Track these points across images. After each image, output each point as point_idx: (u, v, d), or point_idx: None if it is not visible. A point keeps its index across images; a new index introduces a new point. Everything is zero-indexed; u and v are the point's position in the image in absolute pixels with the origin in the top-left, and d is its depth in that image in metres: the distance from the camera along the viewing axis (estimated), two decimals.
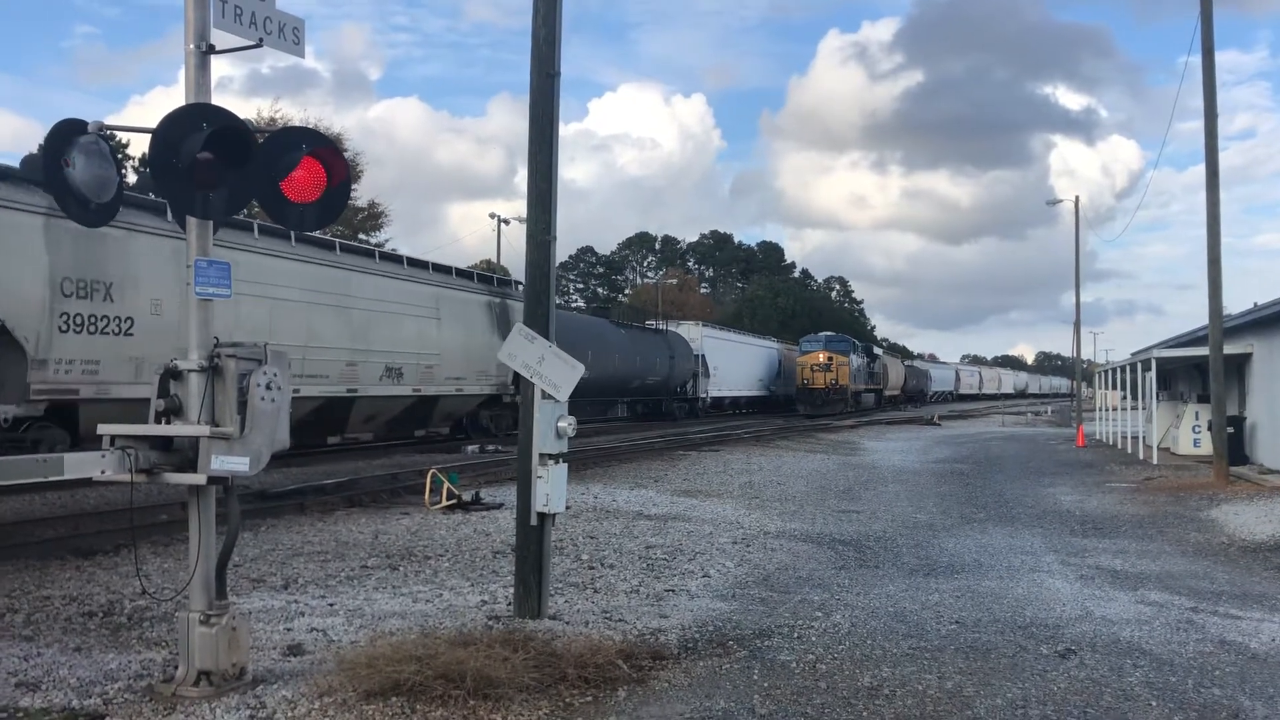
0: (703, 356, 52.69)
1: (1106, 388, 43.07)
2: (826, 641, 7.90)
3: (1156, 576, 11.19)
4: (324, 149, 6.23)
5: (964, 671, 7.18)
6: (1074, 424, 43.48)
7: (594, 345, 34.93)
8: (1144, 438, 30.08)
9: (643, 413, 46.87)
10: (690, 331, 50.29)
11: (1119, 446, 34.04)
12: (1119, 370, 38.72)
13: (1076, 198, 49.88)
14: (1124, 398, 37.06)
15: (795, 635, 8.07)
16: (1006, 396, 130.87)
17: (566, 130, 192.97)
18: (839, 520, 15.39)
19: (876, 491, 19.80)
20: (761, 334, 70.81)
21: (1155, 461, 26.58)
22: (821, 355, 58.55)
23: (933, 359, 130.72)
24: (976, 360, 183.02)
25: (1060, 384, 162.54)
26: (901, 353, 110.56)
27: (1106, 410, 40.91)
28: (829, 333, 66.03)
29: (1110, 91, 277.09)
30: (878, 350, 76.04)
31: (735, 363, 55.73)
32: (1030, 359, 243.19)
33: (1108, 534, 14.52)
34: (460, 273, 27.40)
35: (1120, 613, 9.24)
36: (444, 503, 14.94)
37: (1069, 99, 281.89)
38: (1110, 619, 8.96)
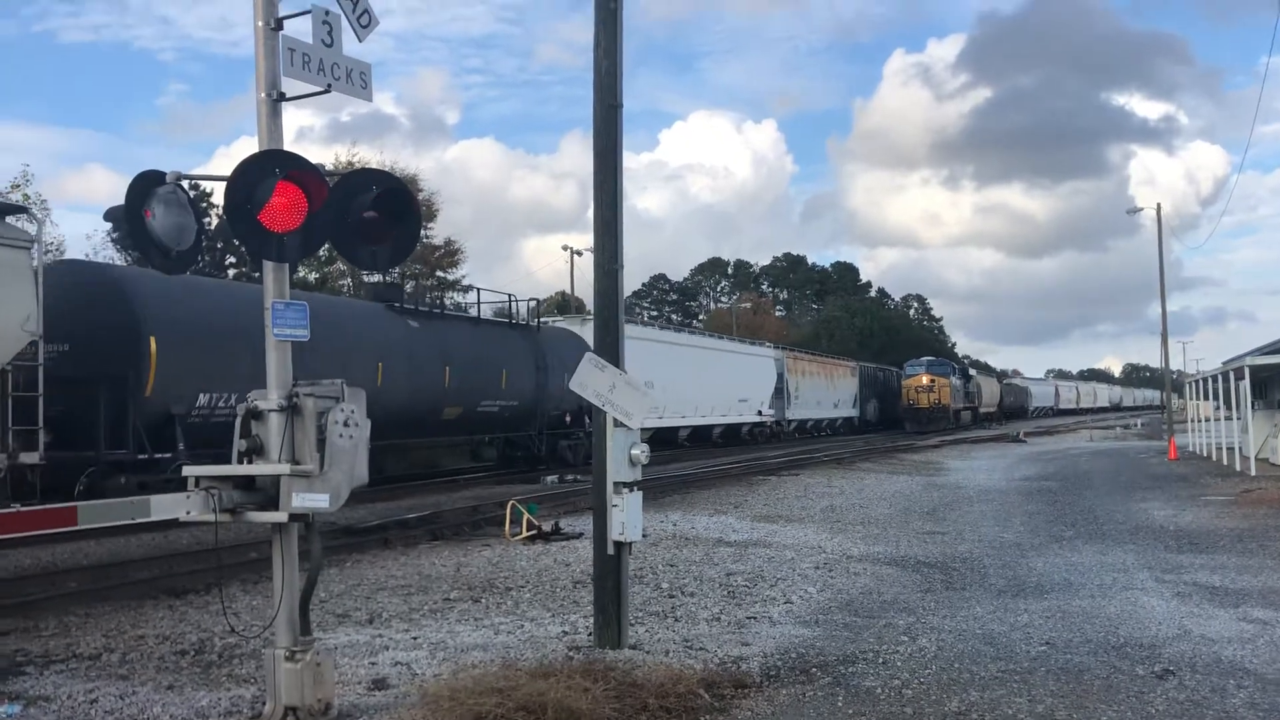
0: (784, 377, 49.92)
1: (1198, 398, 41.82)
2: (912, 666, 7.75)
3: (1259, 592, 10.78)
4: (395, 190, 6.35)
5: (1056, 694, 6.99)
6: (1165, 436, 42.26)
7: (353, 346, 20.37)
8: (1240, 448, 29.10)
9: (494, 459, 28.60)
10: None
11: (1213, 458, 32.95)
12: (1211, 379, 37.57)
13: (1159, 205, 48.61)
14: (1217, 408, 35.92)
15: (880, 660, 7.93)
16: (1102, 410, 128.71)
17: (638, 161, 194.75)
18: (923, 542, 15.12)
19: (961, 512, 19.43)
20: (753, 339, 60.42)
21: (1253, 473, 25.67)
22: (925, 378, 64.28)
23: (1017, 374, 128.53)
24: (1062, 375, 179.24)
25: (1153, 396, 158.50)
26: (983, 369, 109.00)
27: (1199, 421, 39.69)
28: (930, 357, 71.67)
29: (1189, 97, 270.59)
30: (971, 371, 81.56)
31: (688, 376, 40.51)
32: (1117, 371, 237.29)
33: (1205, 549, 14.04)
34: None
35: (1221, 631, 8.91)
36: (524, 533, 15.01)
37: (1146, 107, 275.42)
38: (1210, 637, 8.65)
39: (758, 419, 47.79)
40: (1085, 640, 8.61)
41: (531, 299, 31.08)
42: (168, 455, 16.38)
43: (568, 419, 28.92)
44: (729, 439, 45.72)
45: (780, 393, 50.62)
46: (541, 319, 34.29)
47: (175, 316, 17.11)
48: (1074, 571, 12.24)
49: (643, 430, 41.25)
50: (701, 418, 42.38)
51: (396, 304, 23.19)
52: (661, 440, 38.47)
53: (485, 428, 26.17)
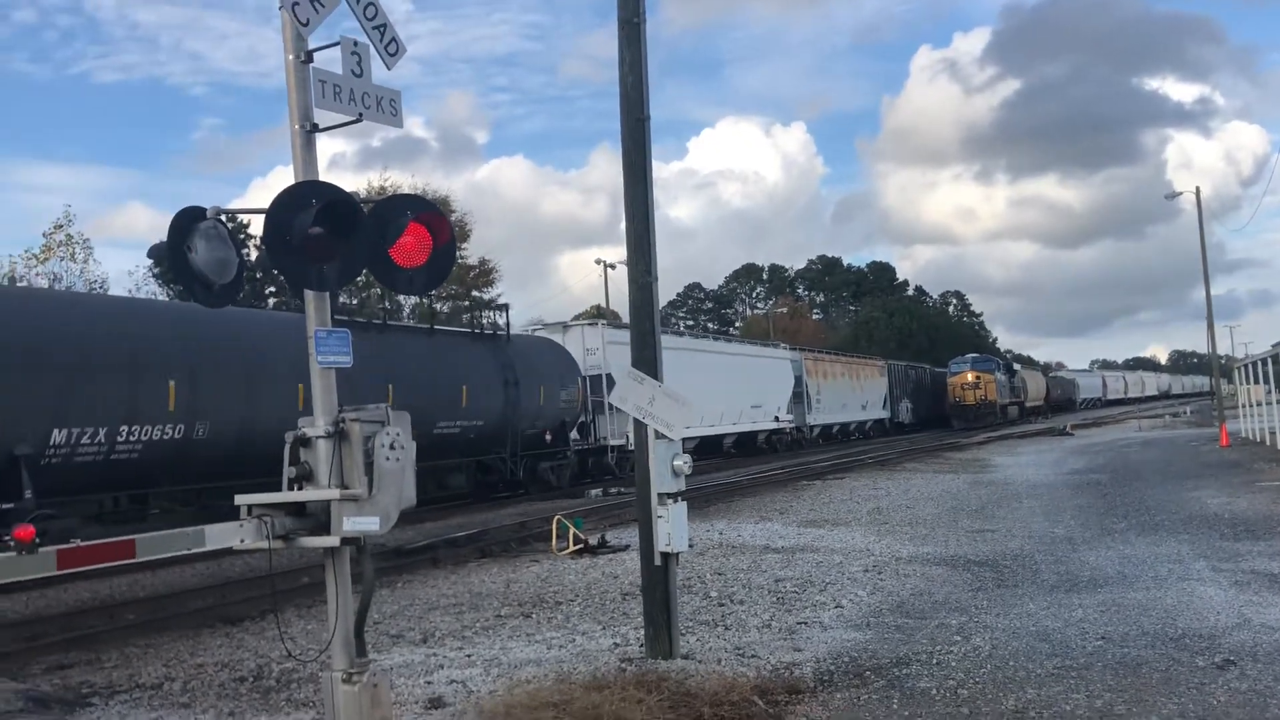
0: (803, 380, 46.12)
1: (1248, 382, 41.13)
2: (967, 666, 7.70)
3: None
4: (427, 213, 6.43)
5: (1114, 689, 6.92)
6: (1216, 423, 41.61)
7: (263, 367, 17.32)
8: None
9: (464, 486, 24.51)
10: (587, 337, 30.31)
11: (1267, 443, 32.41)
12: (1261, 363, 36.95)
13: (1198, 189, 47.73)
14: (1269, 391, 35.32)
15: (934, 661, 7.89)
16: (1151, 399, 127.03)
17: (668, 170, 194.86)
18: (973, 541, 15.00)
19: (1010, 509, 19.25)
20: (762, 340, 59.38)
21: None
22: (970, 375, 64.54)
23: (1060, 367, 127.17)
24: (1107, 365, 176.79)
25: (1202, 382, 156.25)
26: (1027, 363, 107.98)
27: (1250, 406, 39.04)
28: (974, 354, 71.58)
29: (1224, 78, 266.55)
30: (1016, 366, 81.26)
31: (691, 383, 38.18)
32: (1163, 359, 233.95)
33: (1262, 536, 13.82)
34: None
35: None
36: (571, 548, 15.07)
37: (1180, 90, 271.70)
38: (1271, 625, 8.53)
39: (775, 426, 43.71)
40: (1142, 633, 8.52)
41: (498, 305, 27.74)
42: (9, 506, 13.32)
43: (548, 437, 25.71)
44: (743, 449, 41.56)
45: (800, 397, 47.07)
46: (526, 329, 31.93)
47: (6, 341, 13.75)
48: (1128, 564, 12.10)
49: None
50: (710, 427, 37.89)
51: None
52: None
53: (446, 452, 21.92)
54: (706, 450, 38.90)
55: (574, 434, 28.19)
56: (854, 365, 57.02)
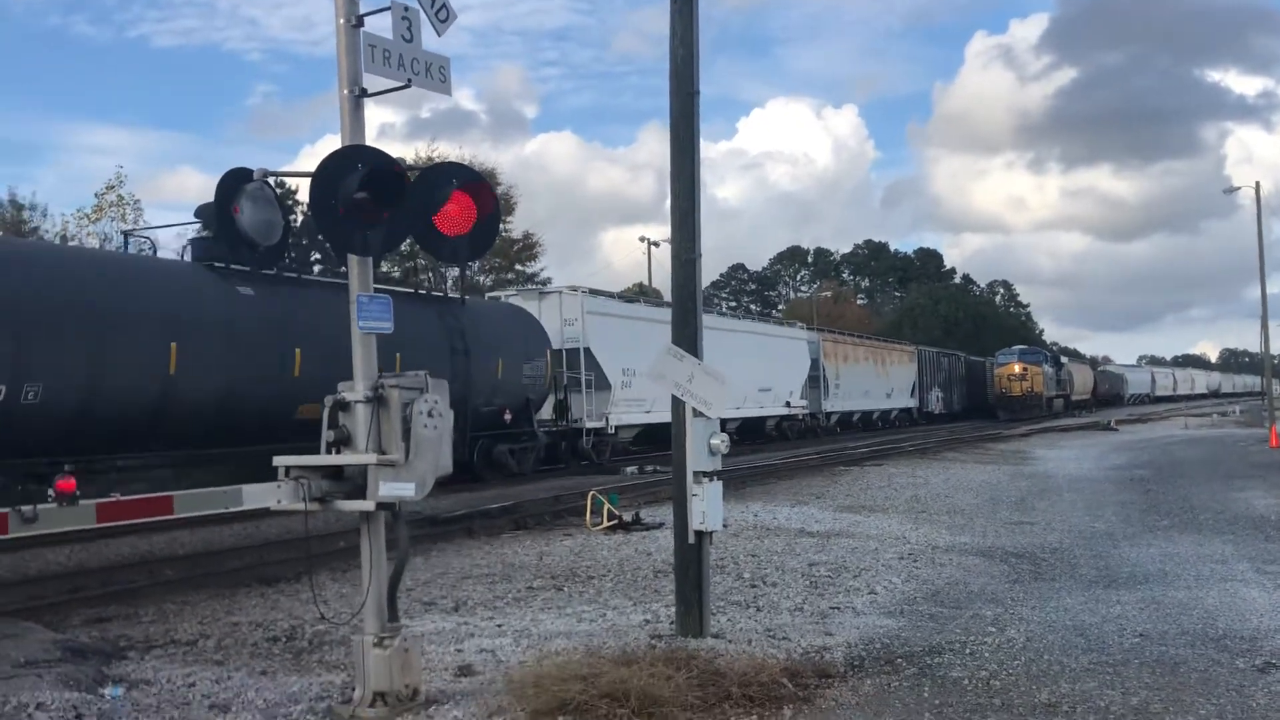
0: (820, 363, 42.20)
1: None
2: (1000, 657, 7.61)
3: None
4: (473, 182, 6.42)
5: (1150, 687, 6.81)
6: (1266, 423, 40.85)
7: (125, 322, 14.43)
8: None
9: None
10: (565, 306, 27.03)
11: None
12: None
13: (1257, 184, 47.03)
14: None
15: (967, 651, 7.81)
16: (1200, 397, 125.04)
17: (716, 150, 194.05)
18: (1011, 532, 14.84)
19: (1050, 502, 19.03)
20: (782, 319, 54.99)
21: None
22: (1017, 366, 64.41)
23: (1108, 361, 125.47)
24: (1155, 360, 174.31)
25: (1253, 382, 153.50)
26: (1074, 356, 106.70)
27: None
28: (1022, 346, 71.94)
29: None
30: (1063, 359, 79.88)
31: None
32: (1214, 357, 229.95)
33: None
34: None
35: None
36: (605, 523, 15.09)
37: (1242, 83, 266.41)
38: None
39: (786, 411, 39.97)
40: (1181, 632, 8.38)
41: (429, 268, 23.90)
42: None
43: (507, 416, 22.16)
44: (749, 435, 37.62)
45: (816, 381, 43.28)
46: (501, 293, 28.98)
47: None
48: (1169, 562, 11.90)
49: (629, 428, 29.77)
50: None
51: (220, 264, 15.65)
52: (653, 437, 30.98)
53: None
54: None
55: (547, 413, 25.00)
56: (880, 349, 53.09)
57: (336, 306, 16.92)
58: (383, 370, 6.24)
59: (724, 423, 32.03)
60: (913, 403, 56.60)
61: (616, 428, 27.84)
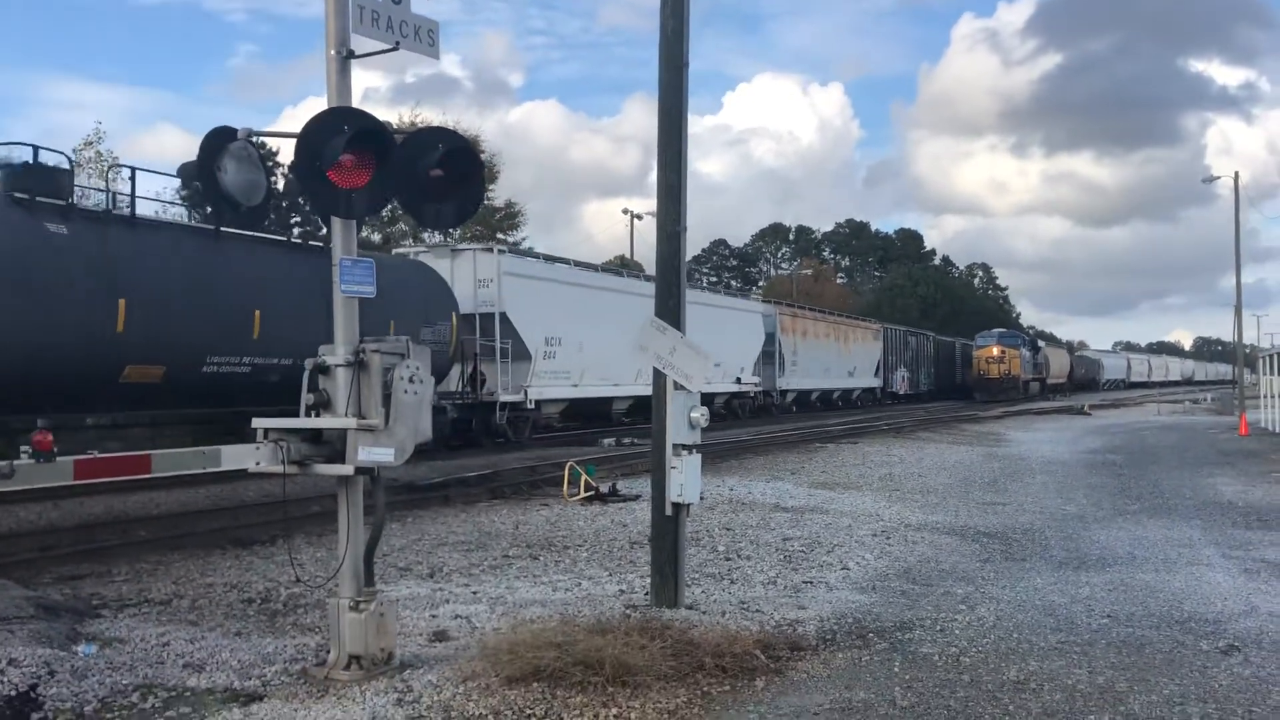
0: (776, 338, 39.51)
1: (1272, 373, 40.76)
2: (970, 635, 7.71)
3: None
4: (459, 147, 6.38)
5: (1116, 667, 6.91)
6: (1236, 412, 41.33)
7: None
8: None
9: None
10: (480, 265, 24.03)
11: None
12: None
13: (1236, 174, 47.18)
14: None
15: (938, 628, 7.90)
16: (1174, 384, 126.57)
17: (701, 125, 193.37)
18: (983, 512, 14.98)
19: (1023, 483, 19.21)
20: (734, 290, 51.29)
21: None
22: (995, 349, 65.60)
23: (1083, 346, 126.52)
24: (1130, 347, 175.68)
25: (1225, 370, 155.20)
26: (1051, 341, 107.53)
27: (1272, 397, 38.72)
28: (1000, 329, 73.57)
29: (1271, 63, 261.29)
30: (1040, 343, 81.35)
31: (623, 332, 24.89)
32: (1188, 345, 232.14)
33: (1274, 526, 13.74)
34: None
35: None
36: (582, 494, 15.14)
37: (1225, 73, 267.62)
38: (1278, 614, 8.49)
39: (736, 389, 37.08)
40: (1148, 614, 8.50)
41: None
42: None
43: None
44: None
45: (771, 357, 40.73)
46: (398, 250, 26.60)
47: None
48: (1138, 545, 12.06)
49: (552, 403, 27.41)
50: (646, 385, 30.01)
51: (25, 195, 12.74)
52: (581, 413, 29.67)
53: (226, 398, 15.20)
54: (647, 410, 31.39)
55: (454, 385, 22.41)
56: (842, 326, 50.71)
57: (178, 254, 14.56)
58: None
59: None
60: (876, 382, 54.84)
61: (537, 402, 25.27)
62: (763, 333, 39.82)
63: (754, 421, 37.30)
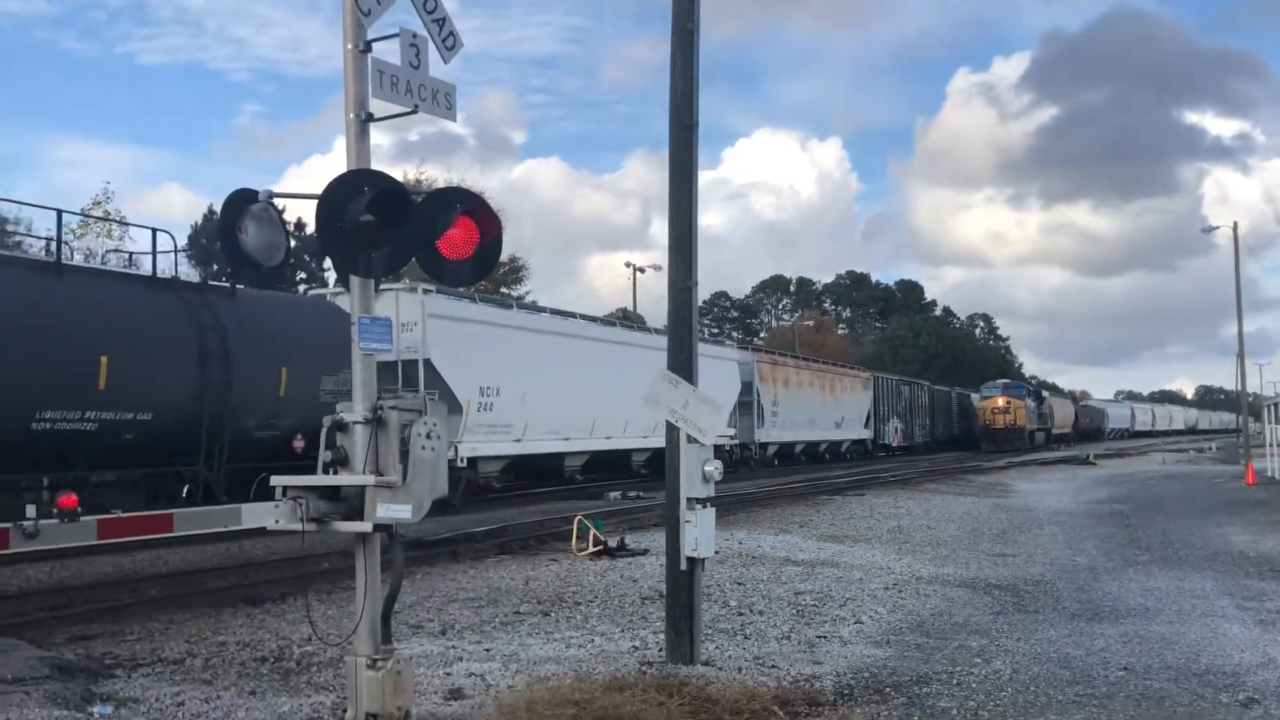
0: (754, 387, 37.32)
1: (1277, 421, 40.70)
2: (988, 688, 7.67)
3: None
4: (477, 207, 6.49)
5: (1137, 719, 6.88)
6: (1242, 460, 41.22)
7: None
8: None
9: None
10: (402, 307, 21.15)
11: None
12: None
13: (1235, 224, 47.52)
14: None
15: (955, 682, 7.86)
16: (1178, 433, 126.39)
17: (701, 179, 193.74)
18: (994, 564, 14.93)
19: (1032, 534, 19.14)
20: (711, 338, 46.81)
21: None
22: (1000, 400, 66.98)
23: (1085, 395, 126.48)
24: (1133, 396, 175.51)
25: (1229, 419, 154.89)
26: (1054, 391, 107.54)
27: (1278, 445, 38.64)
28: (1005, 380, 75.82)
29: (1266, 114, 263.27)
30: (1045, 394, 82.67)
31: (578, 380, 26.42)
32: (1190, 393, 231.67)
33: None
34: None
35: None
36: (590, 549, 15.09)
37: (1220, 125, 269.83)
38: None
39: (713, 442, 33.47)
40: (1165, 666, 8.46)
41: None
42: None
43: (299, 445, 15.42)
44: (662, 467, 27.69)
45: (749, 407, 38.46)
46: (314, 290, 23.90)
47: None
48: (1150, 596, 12.01)
49: (490, 460, 24.22)
50: (605, 439, 28.25)
51: None
52: (529, 470, 26.97)
53: (64, 460, 12.70)
54: (606, 467, 30.03)
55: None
56: (828, 374, 47.90)
57: (6, 291, 12.01)
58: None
59: (631, 454, 27.11)
60: (867, 434, 51.88)
61: (470, 460, 22.57)
62: (738, 381, 37.33)
63: (729, 478, 33.91)
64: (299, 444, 16.16)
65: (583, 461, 28.61)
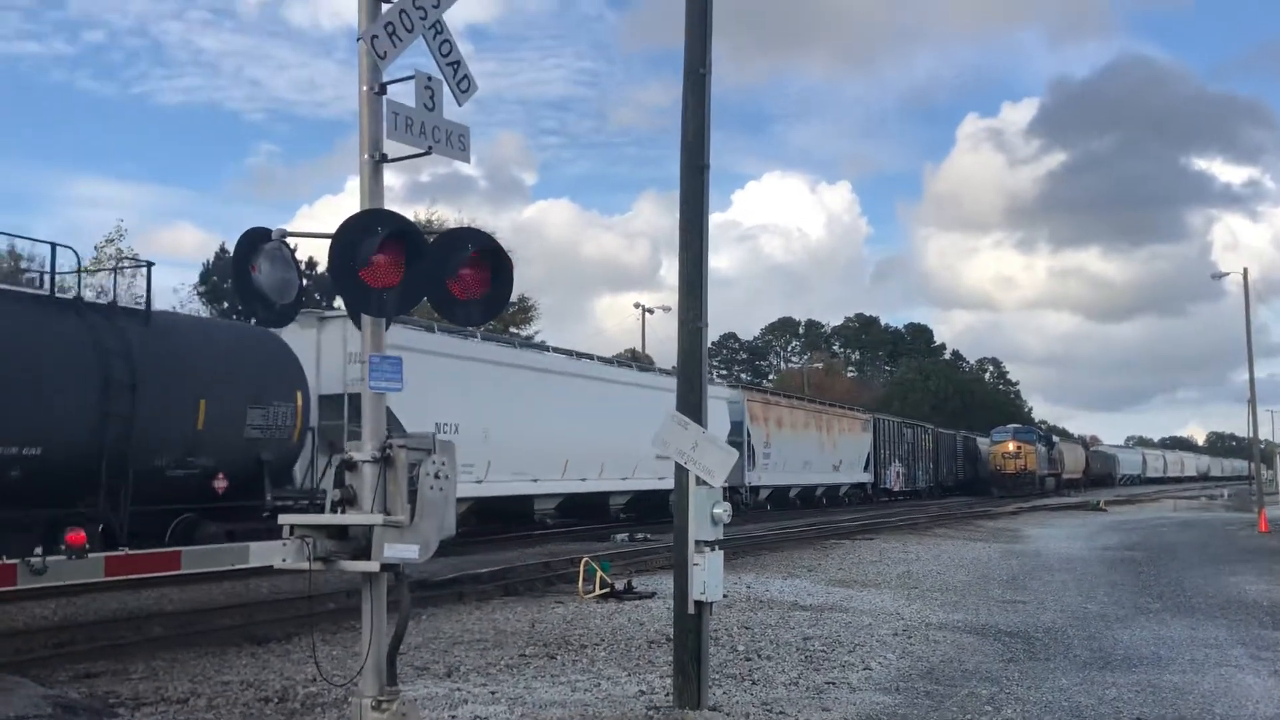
0: (744, 427, 35.60)
1: None
2: None
3: None
4: (488, 247, 6.51)
5: None
6: (1255, 508, 40.90)
7: None
8: None
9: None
10: (351, 336, 18.49)
11: None
12: None
13: (1245, 270, 47.32)
14: None
15: None
16: (1189, 479, 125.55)
17: (711, 221, 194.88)
18: (1004, 611, 14.79)
19: (1042, 580, 18.98)
20: (667, 371, 34.78)
21: None
22: (1011, 445, 66.83)
23: (1095, 440, 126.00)
24: (1143, 441, 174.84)
25: (1241, 466, 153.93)
26: (1064, 436, 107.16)
27: None
28: (1015, 425, 75.52)
29: (1275, 161, 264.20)
30: (1055, 439, 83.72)
31: (557, 417, 25.24)
32: (1201, 439, 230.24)
33: None
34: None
35: None
36: (597, 591, 15.00)
37: (1229, 171, 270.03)
38: None
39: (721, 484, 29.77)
40: (1179, 717, 8.35)
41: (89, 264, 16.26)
42: None
43: (220, 484, 14.58)
44: (645, 511, 30.21)
45: (739, 448, 34.17)
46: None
47: None
48: (1163, 645, 11.87)
49: (459, 501, 26.79)
50: (579, 480, 26.79)
51: None
52: (494, 514, 25.15)
53: None
54: (582, 510, 28.67)
55: (307, 482, 17.43)
56: (825, 415, 45.73)
57: None
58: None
59: (609, 496, 25.48)
60: (866, 477, 49.73)
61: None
62: (728, 421, 34.67)
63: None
64: (220, 484, 14.86)
65: (555, 505, 27.00)
